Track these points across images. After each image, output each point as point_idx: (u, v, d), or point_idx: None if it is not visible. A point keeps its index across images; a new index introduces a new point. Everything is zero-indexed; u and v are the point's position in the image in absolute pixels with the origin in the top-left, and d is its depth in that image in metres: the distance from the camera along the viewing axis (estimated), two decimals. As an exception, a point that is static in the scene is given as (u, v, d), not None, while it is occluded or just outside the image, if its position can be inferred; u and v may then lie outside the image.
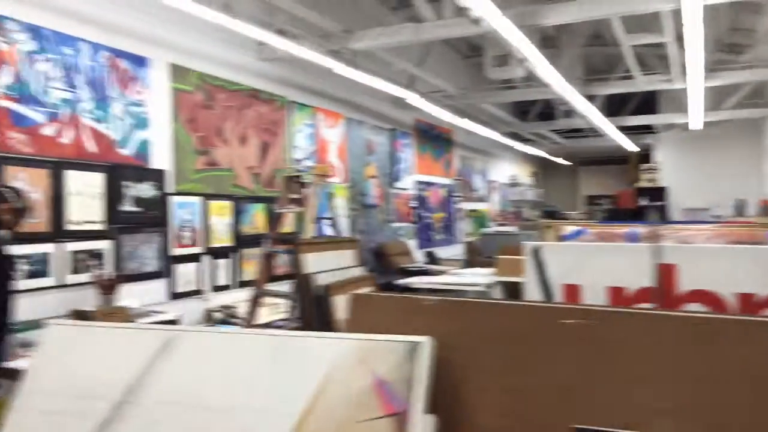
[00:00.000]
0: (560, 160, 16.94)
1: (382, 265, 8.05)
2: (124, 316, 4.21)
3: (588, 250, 2.47)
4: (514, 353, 1.06)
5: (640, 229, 3.58)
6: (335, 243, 4.73)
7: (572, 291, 2.08)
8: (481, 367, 1.05)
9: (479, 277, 5.81)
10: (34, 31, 4.18)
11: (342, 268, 3.77)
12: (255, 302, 4.42)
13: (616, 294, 2.01)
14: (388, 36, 5.95)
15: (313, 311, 3.37)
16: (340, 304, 3.33)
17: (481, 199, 13.29)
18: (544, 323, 1.07)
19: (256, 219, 6.35)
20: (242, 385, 1.11)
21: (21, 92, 4.10)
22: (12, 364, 2.37)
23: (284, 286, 4.61)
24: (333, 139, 7.75)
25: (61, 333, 1.41)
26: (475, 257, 9.71)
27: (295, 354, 1.07)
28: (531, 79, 8.23)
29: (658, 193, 13.96)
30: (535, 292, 2.13)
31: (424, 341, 1.00)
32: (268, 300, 4.67)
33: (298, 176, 4.63)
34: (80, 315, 4.04)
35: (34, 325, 3.45)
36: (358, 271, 3.94)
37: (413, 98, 7.84)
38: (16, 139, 4.07)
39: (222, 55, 5.88)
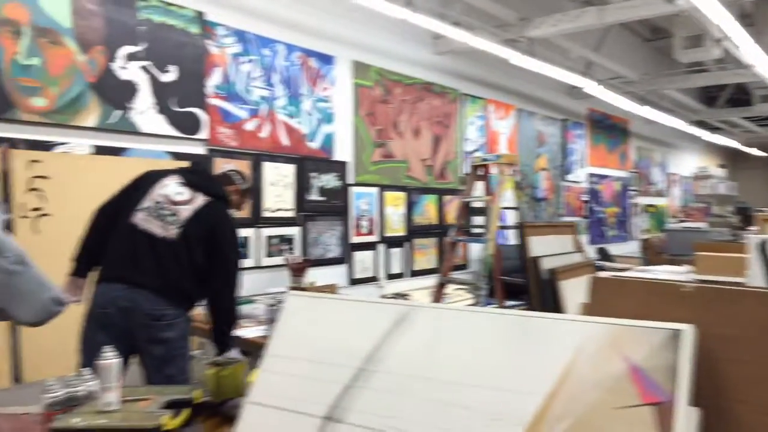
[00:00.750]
0: (754, 151, 15.16)
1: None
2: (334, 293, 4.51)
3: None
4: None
5: None
6: (556, 227, 4.64)
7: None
8: (749, 359, 0.97)
9: (672, 275, 5.38)
10: (240, 36, 4.61)
11: (564, 253, 3.69)
12: (439, 290, 4.50)
13: None
14: (568, 21, 5.72)
15: (539, 295, 3.36)
16: (568, 289, 3.28)
17: (659, 194, 12.33)
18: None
19: (428, 210, 6.46)
20: (481, 363, 1.13)
21: (228, 91, 4.55)
22: (239, 333, 2.65)
23: (464, 275, 4.64)
24: (503, 130, 7.65)
25: (299, 303, 1.55)
26: (653, 255, 9.04)
27: (539, 334, 1.07)
28: (724, 60, 7.45)
29: None
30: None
31: (687, 329, 0.95)
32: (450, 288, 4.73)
33: (484, 165, 4.61)
34: (297, 290, 4.41)
35: (243, 301, 3.82)
36: (578, 257, 3.85)
37: (590, 86, 7.47)
38: (224, 133, 4.53)
39: (399, 50, 6.05)
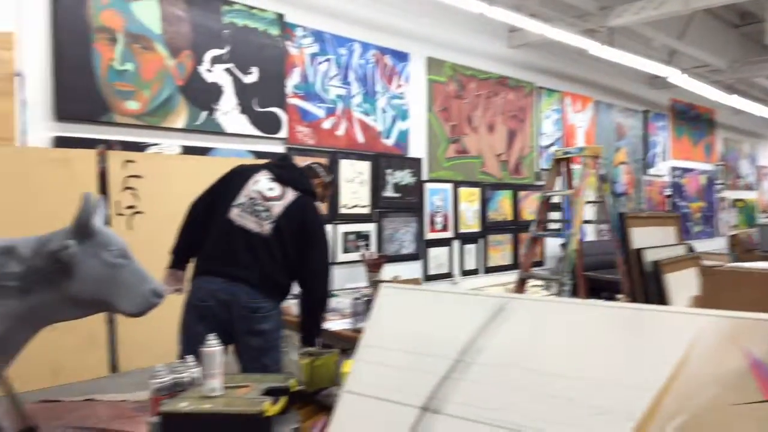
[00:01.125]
0: None
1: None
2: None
3: None
4: None
5: None
6: (659, 218, 4.49)
7: None
8: None
9: None
10: (317, 36, 4.70)
11: (668, 245, 3.57)
12: (520, 286, 4.43)
13: None
14: (652, 9, 5.49)
15: (643, 289, 3.26)
16: (673, 282, 3.17)
17: (748, 187, 11.64)
18: None
19: (503, 205, 6.37)
20: (587, 355, 1.10)
21: (306, 91, 4.65)
22: (325, 326, 2.71)
23: (545, 270, 4.55)
24: (580, 123, 7.44)
25: (392, 295, 1.56)
26: (742, 252, 8.55)
27: (651, 327, 1.04)
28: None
29: None
30: None
31: (817, 323, 0.89)
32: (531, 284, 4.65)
33: (566, 158, 4.50)
34: (376, 284, 4.45)
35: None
36: (681, 249, 3.71)
37: (674, 75, 7.14)
38: (302, 132, 4.63)
39: (474, 45, 5.99)
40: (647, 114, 8.59)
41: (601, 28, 5.94)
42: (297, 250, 2.33)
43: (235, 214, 2.24)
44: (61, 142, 3.44)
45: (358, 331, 2.55)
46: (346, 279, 4.82)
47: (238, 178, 2.41)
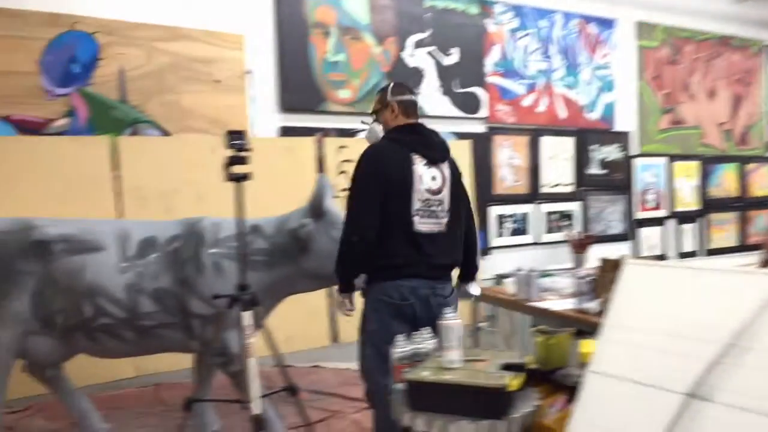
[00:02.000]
0: None
1: None
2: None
3: None
4: None
5: None
6: None
7: None
8: None
9: None
10: (517, 10, 4.58)
11: None
12: (764, 267, 3.94)
13: None
14: None
15: None
16: None
17: None
18: None
19: (726, 180, 5.70)
20: None
21: (506, 68, 4.56)
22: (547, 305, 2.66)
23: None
24: (824, 83, 6.35)
25: (638, 273, 1.46)
26: None
27: None
28: None
29: None
30: None
31: None
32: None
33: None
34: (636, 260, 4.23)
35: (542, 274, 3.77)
36: None
37: None
38: (502, 111, 4.56)
39: (690, 3, 5.39)
40: None
41: None
42: (465, 218, 2.38)
43: (417, 222, 2.16)
44: (285, 132, 3.77)
45: (583, 311, 2.45)
46: (548, 260, 4.67)
47: (395, 172, 2.19)
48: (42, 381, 2.58)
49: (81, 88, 3.26)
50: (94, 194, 3.17)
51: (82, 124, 3.27)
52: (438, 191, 2.24)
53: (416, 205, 2.19)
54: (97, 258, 2.33)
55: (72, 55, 3.23)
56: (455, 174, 2.33)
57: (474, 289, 2.46)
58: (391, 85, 2.38)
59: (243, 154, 2.14)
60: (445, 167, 2.29)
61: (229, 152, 2.15)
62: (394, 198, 2.17)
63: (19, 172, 3.03)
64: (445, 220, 2.24)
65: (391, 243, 2.17)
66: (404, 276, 2.15)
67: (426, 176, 2.20)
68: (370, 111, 2.45)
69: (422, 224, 2.18)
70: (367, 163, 2.23)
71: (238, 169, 2.15)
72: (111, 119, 3.33)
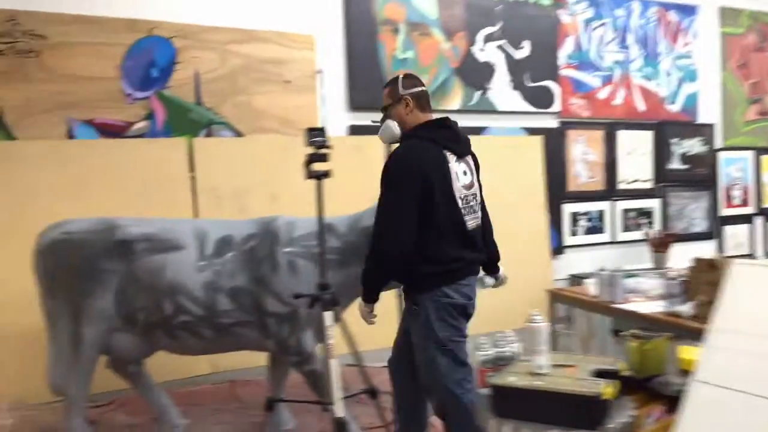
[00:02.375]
0: None
1: None
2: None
3: None
4: None
5: None
6: None
7: None
8: None
9: None
10: (592, 0, 4.40)
11: None
12: None
13: None
14: None
15: None
16: None
17: None
18: None
19: (822, 175, 5.30)
20: None
21: (580, 60, 4.39)
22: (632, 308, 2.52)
23: None
24: None
25: (748, 274, 1.34)
26: None
27: None
28: None
29: None
30: None
31: None
32: None
33: None
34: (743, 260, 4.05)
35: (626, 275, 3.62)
36: None
37: None
38: (576, 104, 4.39)
39: (780, -16, 5.05)
40: None
41: None
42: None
43: (468, 221, 2.12)
44: (355, 130, 3.75)
45: (674, 314, 2.30)
46: (624, 259, 4.48)
47: (437, 174, 2.09)
48: (124, 377, 2.66)
49: (159, 91, 3.35)
50: (172, 195, 3.26)
51: (160, 126, 3.36)
52: (470, 185, 2.19)
53: (460, 203, 2.12)
54: (177, 257, 2.38)
55: (150, 59, 3.32)
56: (477, 164, 2.30)
57: (491, 279, 2.37)
58: (401, 77, 2.24)
59: (323, 151, 2.12)
60: (470, 159, 2.25)
61: (309, 150, 2.13)
62: (441, 200, 2.07)
63: (102, 173, 3.14)
64: (480, 214, 2.23)
65: (447, 246, 2.08)
66: (465, 275, 2.10)
67: (459, 172, 2.14)
68: (381, 107, 2.29)
69: (470, 222, 2.14)
70: (402, 167, 2.07)
71: (318, 166, 2.13)
72: (187, 121, 3.41)
